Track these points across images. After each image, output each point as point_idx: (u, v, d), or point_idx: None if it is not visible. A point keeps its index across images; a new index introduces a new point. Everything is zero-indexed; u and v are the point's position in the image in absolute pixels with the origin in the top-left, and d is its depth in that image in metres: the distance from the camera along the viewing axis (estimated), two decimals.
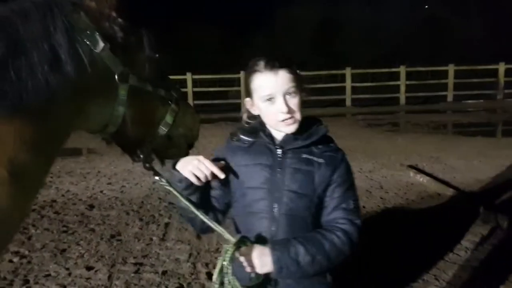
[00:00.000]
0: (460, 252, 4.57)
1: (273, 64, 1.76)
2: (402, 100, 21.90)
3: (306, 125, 1.86)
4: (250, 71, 1.82)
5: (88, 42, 1.43)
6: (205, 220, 1.74)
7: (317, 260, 1.68)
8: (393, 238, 4.94)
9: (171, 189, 1.77)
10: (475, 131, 13.27)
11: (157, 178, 1.81)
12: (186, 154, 1.97)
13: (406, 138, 12.02)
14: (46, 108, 1.33)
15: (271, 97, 1.77)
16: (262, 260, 1.64)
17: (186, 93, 19.98)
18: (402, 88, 21.88)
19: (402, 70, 21.93)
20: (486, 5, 42.02)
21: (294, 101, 1.77)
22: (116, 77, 1.51)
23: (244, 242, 1.66)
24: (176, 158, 1.93)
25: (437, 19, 43.48)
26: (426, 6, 47.46)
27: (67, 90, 1.37)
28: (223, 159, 1.90)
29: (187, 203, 1.74)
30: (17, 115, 1.27)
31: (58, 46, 1.35)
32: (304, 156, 1.81)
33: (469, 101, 21.99)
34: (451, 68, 22.02)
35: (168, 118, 1.77)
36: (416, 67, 24.69)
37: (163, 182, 1.79)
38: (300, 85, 1.82)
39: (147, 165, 1.82)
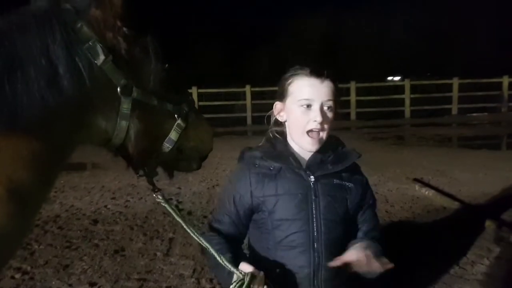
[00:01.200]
0: (466, 266, 4.51)
1: (322, 71, 1.71)
2: (407, 113, 21.91)
3: (327, 143, 1.79)
4: (293, 73, 1.76)
5: (89, 54, 1.37)
6: (213, 251, 1.64)
7: None
8: (398, 252, 4.89)
9: (168, 208, 1.75)
10: (480, 144, 13.22)
11: (154, 195, 1.77)
12: (198, 167, 1.89)
13: (411, 152, 11.97)
14: (44, 123, 1.30)
15: (309, 104, 1.70)
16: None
17: None
18: (407, 102, 21.90)
19: (407, 83, 21.99)
20: (491, 17, 42.16)
21: (329, 116, 1.71)
22: (118, 90, 1.45)
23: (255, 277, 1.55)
24: (187, 171, 1.88)
25: (442, 32, 43.60)
26: (431, 20, 47.64)
27: (66, 104, 1.33)
28: (246, 187, 1.80)
29: (187, 228, 1.73)
30: (13, 131, 1.24)
31: (56, 60, 1.31)
32: (336, 181, 1.75)
33: (474, 114, 21.99)
34: (455, 82, 22.04)
35: (173, 135, 1.66)
36: (421, 81, 24.71)
37: (160, 199, 1.76)
38: (336, 104, 1.77)
39: (149, 179, 1.75)
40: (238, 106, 23.19)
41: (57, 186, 8.24)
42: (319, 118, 1.68)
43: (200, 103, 21.37)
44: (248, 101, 21.45)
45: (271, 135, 1.88)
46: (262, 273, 1.53)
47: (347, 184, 1.76)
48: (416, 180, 8.20)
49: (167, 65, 1.62)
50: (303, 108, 1.72)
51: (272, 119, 1.89)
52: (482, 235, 5.26)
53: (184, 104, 1.71)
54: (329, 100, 1.70)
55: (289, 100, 1.77)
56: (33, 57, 1.28)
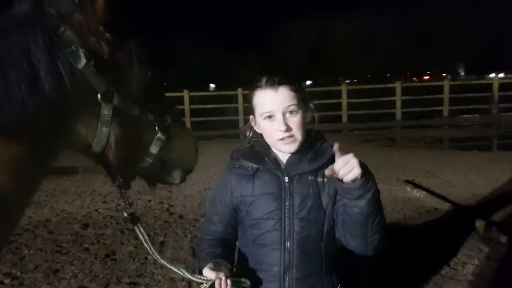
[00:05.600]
0: (457, 267, 4.54)
1: (273, 80, 1.72)
2: (398, 115, 21.98)
3: (307, 140, 1.80)
4: (252, 87, 1.79)
5: (70, 59, 1.36)
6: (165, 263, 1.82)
7: (381, 214, 1.69)
8: (390, 254, 4.89)
9: (137, 231, 1.81)
10: (471, 146, 13.30)
11: (125, 213, 1.78)
12: (182, 180, 1.86)
13: (402, 153, 12.00)
14: (25, 127, 1.28)
15: (271, 115, 1.73)
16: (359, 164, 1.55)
17: (183, 110, 20.00)
18: (398, 104, 21.98)
19: (398, 85, 22.06)
20: (481, 19, 42.51)
21: (294, 120, 1.72)
22: (99, 96, 1.43)
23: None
24: (170, 184, 1.86)
25: (432, 34, 43.89)
26: (422, 23, 47.96)
27: (47, 108, 1.32)
28: (227, 188, 1.85)
29: (149, 249, 1.81)
30: None
31: (38, 64, 1.29)
32: (310, 178, 1.75)
33: (465, 116, 22.13)
34: (446, 83, 22.18)
35: (153, 148, 1.64)
36: (412, 83, 24.81)
37: (130, 209, 1.77)
38: (304, 103, 1.77)
39: (123, 191, 1.73)
40: (230, 109, 23.17)
41: (48, 190, 8.20)
42: (283, 127, 1.70)
43: (192, 106, 21.34)
44: (240, 104, 21.42)
45: (252, 137, 1.91)
46: (222, 274, 1.60)
47: (320, 179, 1.76)
48: (407, 181, 8.22)
49: (150, 73, 1.60)
50: (267, 120, 1.75)
51: (250, 132, 1.91)
52: (472, 235, 5.28)
53: (168, 116, 1.68)
54: (289, 105, 1.72)
55: (256, 114, 1.81)
56: (14, 61, 1.27)
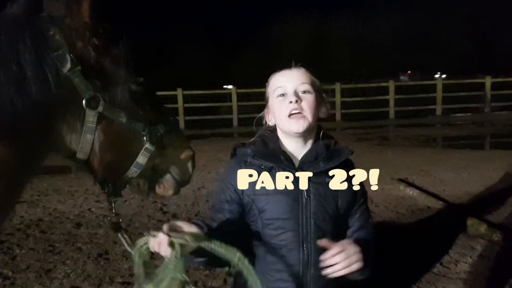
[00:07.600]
0: (449, 265, 4.55)
1: (290, 63, 1.79)
2: (392, 114, 22.09)
3: (322, 138, 1.82)
4: (271, 76, 1.83)
5: (57, 62, 1.35)
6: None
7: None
8: (382, 252, 4.90)
9: (122, 238, 1.75)
10: (464, 144, 13.38)
11: (108, 219, 1.76)
12: (175, 192, 1.79)
13: (395, 152, 12.04)
14: (13, 129, 1.28)
15: (284, 93, 1.75)
16: (359, 256, 1.60)
17: (176, 109, 19.97)
18: (391, 103, 22.07)
19: (391, 84, 22.15)
20: (473, 18, 42.70)
21: (306, 98, 1.73)
22: (83, 102, 1.41)
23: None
24: (163, 195, 1.79)
25: (425, 33, 44.02)
26: (414, 22, 48.10)
27: (33, 111, 1.31)
28: (236, 185, 1.74)
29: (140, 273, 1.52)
30: None
31: (26, 66, 1.29)
32: (327, 180, 1.72)
33: (458, 115, 22.28)
34: (439, 82, 22.29)
35: (141, 159, 1.60)
36: (405, 81, 24.88)
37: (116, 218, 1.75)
38: (318, 92, 1.79)
39: (112, 200, 1.71)
40: (224, 108, 23.16)
41: (40, 189, 8.15)
42: (293, 98, 1.71)
43: (186, 105, 21.31)
44: (234, 102, 21.43)
45: (263, 133, 1.86)
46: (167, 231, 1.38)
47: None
48: (400, 180, 8.24)
49: (141, 79, 1.57)
50: (280, 98, 1.76)
51: (265, 124, 1.90)
52: (465, 234, 5.31)
53: (161, 126, 1.63)
54: (302, 83, 1.75)
55: (270, 98, 1.82)
56: (3, 62, 1.27)
